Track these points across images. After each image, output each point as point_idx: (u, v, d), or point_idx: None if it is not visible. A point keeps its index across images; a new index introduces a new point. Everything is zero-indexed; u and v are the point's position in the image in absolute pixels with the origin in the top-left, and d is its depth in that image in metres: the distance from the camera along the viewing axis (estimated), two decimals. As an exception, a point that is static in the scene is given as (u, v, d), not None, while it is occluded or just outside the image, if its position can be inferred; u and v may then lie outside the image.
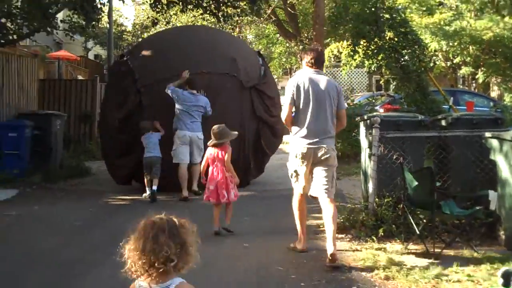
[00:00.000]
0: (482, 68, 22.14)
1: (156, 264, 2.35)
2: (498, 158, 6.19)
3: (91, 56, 33.67)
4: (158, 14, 17.90)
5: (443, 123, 7.57)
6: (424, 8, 22.39)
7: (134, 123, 9.57)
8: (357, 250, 6.16)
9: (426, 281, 5.08)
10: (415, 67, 13.89)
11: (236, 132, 7.43)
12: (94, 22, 12.29)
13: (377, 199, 6.86)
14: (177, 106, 9.34)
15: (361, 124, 7.88)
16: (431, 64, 20.46)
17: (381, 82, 19.90)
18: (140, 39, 26.25)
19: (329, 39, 18.77)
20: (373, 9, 14.41)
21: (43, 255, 6.18)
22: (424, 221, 6.31)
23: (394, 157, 6.99)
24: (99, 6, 12.18)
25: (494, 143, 6.26)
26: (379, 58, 14.26)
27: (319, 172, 5.89)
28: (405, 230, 6.41)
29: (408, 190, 6.22)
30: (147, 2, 16.77)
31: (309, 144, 5.85)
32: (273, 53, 29.94)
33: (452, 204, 6.22)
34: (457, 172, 7.15)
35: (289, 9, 21.88)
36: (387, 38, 14.14)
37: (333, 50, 18.48)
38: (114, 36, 24.19)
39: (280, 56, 29.17)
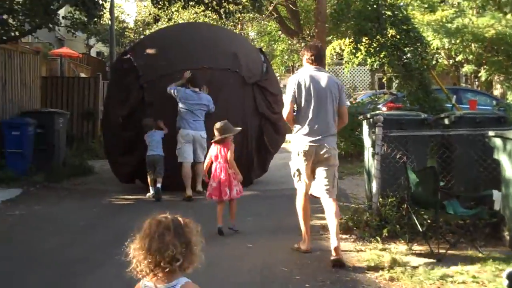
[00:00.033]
0: (485, 66, 22.10)
1: (162, 264, 2.35)
2: (502, 157, 6.16)
3: (93, 53, 33.72)
4: (160, 11, 17.84)
5: (446, 121, 7.55)
6: (426, 5, 22.37)
7: (137, 120, 9.56)
8: (361, 250, 6.15)
9: (431, 282, 5.08)
10: (417, 65, 13.86)
11: (239, 128, 7.46)
12: (95, 19, 12.25)
13: (380, 199, 6.85)
14: (180, 105, 9.33)
15: (364, 123, 7.86)
16: (434, 62, 20.41)
17: (383, 80, 19.91)
18: (142, 36, 26.24)
19: (331, 36, 18.73)
20: (375, 6, 14.38)
21: (46, 255, 6.18)
22: (428, 221, 6.31)
23: (398, 157, 6.98)
24: (100, 2, 12.12)
25: (498, 142, 6.24)
26: (382, 55, 14.23)
27: (320, 172, 5.90)
28: (409, 231, 6.39)
29: (411, 190, 6.21)
30: (149, -2, 16.77)
31: (311, 141, 5.85)
32: (275, 50, 29.91)
33: (455, 204, 6.21)
34: (461, 171, 7.13)
35: (290, 6, 21.86)
36: (389, 35, 14.11)
37: (335, 47, 18.45)
38: (116, 33, 24.21)
39: (282, 53, 29.13)
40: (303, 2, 23.91)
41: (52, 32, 15.62)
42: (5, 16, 11.08)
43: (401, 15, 14.44)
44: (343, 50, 17.21)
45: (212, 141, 7.22)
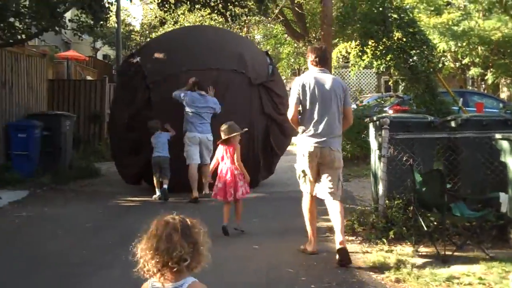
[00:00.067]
0: (491, 69, 22.07)
1: (169, 264, 2.37)
2: (509, 160, 6.15)
3: (99, 56, 33.81)
4: (166, 14, 17.89)
5: (453, 124, 7.52)
6: (432, 8, 22.34)
7: (143, 122, 9.58)
8: (367, 252, 6.14)
9: (437, 284, 5.07)
10: (423, 67, 13.86)
11: (246, 128, 7.49)
12: (102, 22, 12.29)
13: (387, 201, 6.84)
14: (187, 109, 9.34)
15: (371, 126, 7.85)
16: (440, 65, 20.40)
17: (390, 83, 19.88)
18: (148, 39, 26.31)
19: (337, 39, 18.74)
20: (381, 8, 14.40)
21: (53, 256, 6.20)
22: (435, 223, 6.29)
23: (404, 159, 6.96)
24: (107, 5, 12.16)
25: (504, 144, 6.23)
26: (388, 58, 14.25)
27: (325, 175, 5.91)
28: (416, 233, 6.38)
29: (418, 192, 6.20)
30: (155, 1, 16.80)
31: (316, 143, 5.86)
32: (281, 53, 29.90)
33: (462, 206, 6.20)
34: (467, 174, 7.11)
35: (296, 8, 21.82)
36: (395, 38, 14.11)
37: (341, 50, 18.46)
38: (122, 36, 24.29)
39: (288, 56, 29.11)
40: (309, 5, 23.88)
41: (59, 35, 15.68)
42: (11, 19, 11.13)
43: (407, 18, 14.45)
44: (349, 53, 17.26)
45: (219, 142, 7.26)
